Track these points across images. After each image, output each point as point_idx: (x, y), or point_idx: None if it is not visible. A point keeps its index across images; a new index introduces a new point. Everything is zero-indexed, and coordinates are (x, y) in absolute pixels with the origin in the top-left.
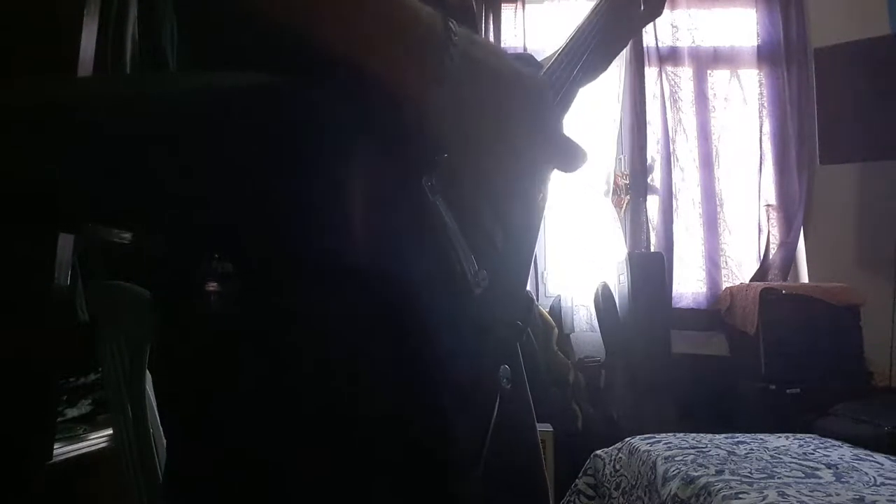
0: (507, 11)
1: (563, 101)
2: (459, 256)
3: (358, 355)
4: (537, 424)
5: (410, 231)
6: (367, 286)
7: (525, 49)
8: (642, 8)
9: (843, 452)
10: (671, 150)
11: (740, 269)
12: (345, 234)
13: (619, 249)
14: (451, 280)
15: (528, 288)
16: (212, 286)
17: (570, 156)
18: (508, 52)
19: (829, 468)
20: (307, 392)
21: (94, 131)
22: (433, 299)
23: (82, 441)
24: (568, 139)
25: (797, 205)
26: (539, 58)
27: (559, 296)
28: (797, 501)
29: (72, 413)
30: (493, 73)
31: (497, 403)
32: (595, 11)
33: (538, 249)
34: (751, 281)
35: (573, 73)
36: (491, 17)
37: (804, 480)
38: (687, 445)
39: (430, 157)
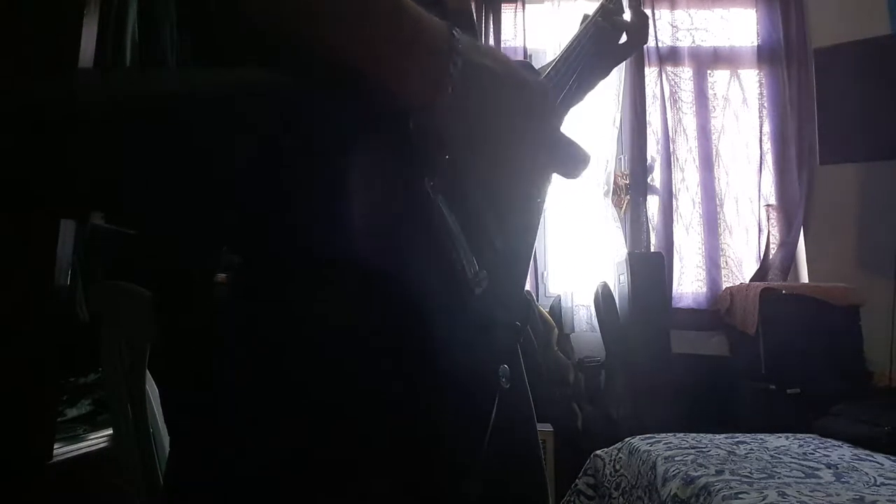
0: (507, 11)
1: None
2: (460, 256)
3: (359, 353)
4: (537, 424)
5: (412, 230)
6: (369, 284)
7: (525, 49)
8: (623, 40)
9: (843, 452)
10: (671, 150)
11: (740, 269)
12: (348, 232)
13: (619, 249)
14: (452, 280)
15: (528, 288)
16: (220, 278)
17: (572, 158)
18: (519, 55)
19: (829, 468)
20: (310, 388)
21: (102, 125)
22: (433, 298)
23: (82, 441)
24: (571, 141)
25: (797, 205)
26: (540, 58)
27: (559, 296)
28: (797, 501)
29: (72, 413)
30: (496, 79)
31: (496, 403)
32: (578, 39)
33: (538, 250)
34: (751, 281)
35: (559, 97)
36: (491, 18)
37: (804, 480)
38: (687, 445)
39: (433, 159)
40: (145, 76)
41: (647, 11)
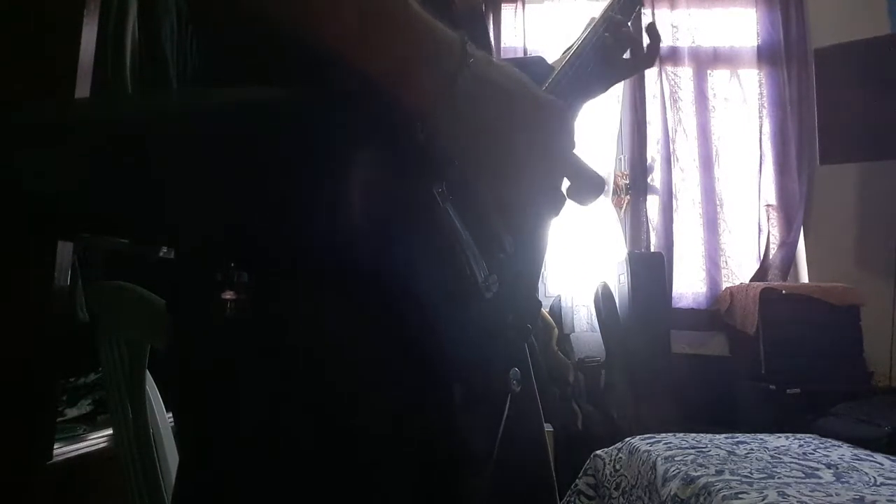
0: (507, 11)
1: None
2: (469, 261)
3: (371, 360)
4: None
5: (422, 237)
6: (380, 291)
7: (525, 49)
8: (626, 56)
9: (843, 452)
10: (671, 150)
11: (740, 269)
12: (357, 240)
13: (619, 249)
14: (462, 284)
15: None
16: (228, 295)
17: (585, 183)
18: (519, 55)
19: (829, 468)
20: (324, 396)
21: (112, 146)
22: (444, 303)
23: (82, 441)
24: (585, 166)
25: (797, 205)
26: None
27: (559, 296)
28: (797, 501)
29: (72, 413)
30: (507, 95)
31: (507, 405)
32: (579, 53)
33: None
34: (751, 281)
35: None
36: (491, 17)
37: (804, 480)
38: (687, 445)
39: (441, 167)
40: (149, 96)
41: (647, 12)
